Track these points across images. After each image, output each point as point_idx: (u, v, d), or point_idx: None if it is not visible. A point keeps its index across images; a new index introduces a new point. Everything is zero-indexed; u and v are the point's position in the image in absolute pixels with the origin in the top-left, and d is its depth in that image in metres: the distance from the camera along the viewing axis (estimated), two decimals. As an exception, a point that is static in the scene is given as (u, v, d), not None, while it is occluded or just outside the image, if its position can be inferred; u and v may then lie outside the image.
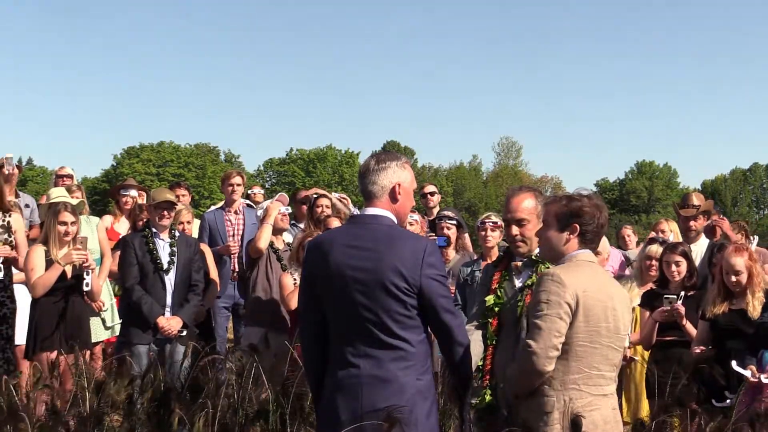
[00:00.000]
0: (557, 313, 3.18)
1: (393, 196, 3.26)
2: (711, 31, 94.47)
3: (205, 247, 6.82)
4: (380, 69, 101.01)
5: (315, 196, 7.21)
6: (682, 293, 5.51)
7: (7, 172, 6.67)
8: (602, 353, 3.27)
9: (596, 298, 3.26)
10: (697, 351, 5.11)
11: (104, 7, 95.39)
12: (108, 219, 7.68)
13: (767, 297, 5.04)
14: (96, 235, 6.84)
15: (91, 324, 6.35)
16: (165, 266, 6.01)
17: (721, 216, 7.16)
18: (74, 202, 6.29)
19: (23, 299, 6.21)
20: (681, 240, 6.78)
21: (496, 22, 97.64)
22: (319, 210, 6.87)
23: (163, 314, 5.92)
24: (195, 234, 7.25)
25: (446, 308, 3.18)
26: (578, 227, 3.37)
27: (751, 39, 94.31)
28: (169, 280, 6.03)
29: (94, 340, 6.46)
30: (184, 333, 5.86)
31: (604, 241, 5.68)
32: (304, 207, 7.99)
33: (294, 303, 5.61)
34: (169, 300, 6.00)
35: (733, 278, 5.08)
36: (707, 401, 4.52)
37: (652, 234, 7.03)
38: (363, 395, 3.09)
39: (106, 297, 6.77)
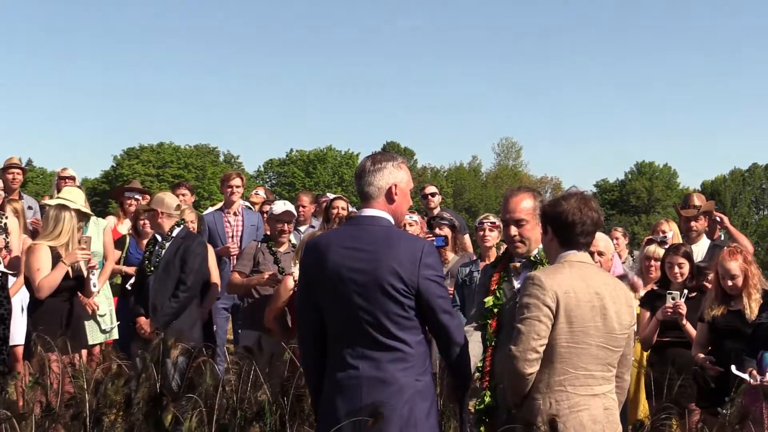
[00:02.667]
0: (536, 316, 3.21)
1: (389, 196, 3.26)
2: (710, 32, 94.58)
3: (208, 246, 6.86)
4: (380, 70, 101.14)
5: (332, 197, 7.32)
6: (685, 291, 5.53)
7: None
8: (591, 353, 3.27)
9: (581, 298, 3.26)
10: (701, 356, 5.11)
11: (104, 7, 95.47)
12: (111, 220, 7.69)
13: (764, 298, 5.05)
14: (102, 238, 6.82)
15: (89, 326, 6.36)
16: (150, 269, 6.04)
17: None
18: (75, 206, 6.29)
19: (19, 300, 6.20)
20: (681, 240, 6.78)
21: (495, 23, 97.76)
22: (335, 211, 6.93)
23: (144, 315, 5.96)
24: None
25: (444, 309, 3.18)
26: (551, 229, 3.42)
27: (751, 39, 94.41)
28: (151, 281, 6.03)
29: (91, 342, 6.46)
30: (161, 335, 5.85)
31: (608, 242, 5.67)
32: (307, 209, 8.03)
33: (278, 304, 5.64)
34: (151, 301, 6.02)
35: (729, 282, 5.09)
36: (706, 402, 4.52)
37: (669, 233, 7.00)
38: (362, 396, 3.09)
39: (104, 302, 6.75)
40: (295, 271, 5.55)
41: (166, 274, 5.98)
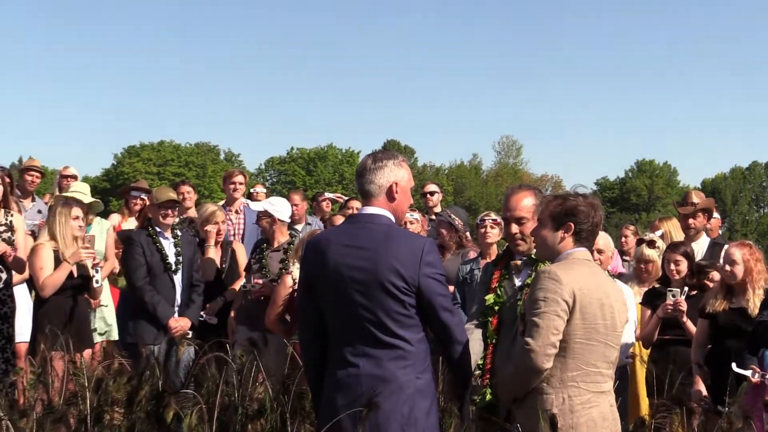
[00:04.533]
0: (555, 311, 3.18)
1: (390, 194, 3.26)
2: (711, 30, 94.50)
3: (237, 245, 6.93)
4: (381, 68, 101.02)
5: (346, 198, 7.53)
6: (686, 288, 5.53)
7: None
8: (599, 350, 3.28)
9: (593, 295, 3.26)
10: (698, 382, 5.08)
11: (103, 5, 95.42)
12: (116, 218, 7.69)
13: (767, 295, 5.04)
14: (104, 239, 6.83)
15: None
16: (173, 266, 6.03)
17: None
18: (87, 199, 6.30)
19: (22, 298, 6.20)
20: (681, 239, 6.77)
21: (496, 21, 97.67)
22: (350, 211, 6.92)
23: (174, 314, 5.95)
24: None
25: (445, 307, 3.18)
26: (573, 226, 3.38)
27: (751, 38, 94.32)
28: (177, 279, 6.05)
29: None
30: (191, 334, 5.86)
31: (608, 240, 5.68)
32: (299, 207, 8.03)
33: (279, 303, 5.62)
34: (178, 300, 6.03)
35: (728, 268, 5.09)
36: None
37: (659, 231, 6.99)
38: (363, 393, 3.09)
39: (103, 301, 6.73)
40: (294, 270, 5.54)
41: (190, 272, 6.11)
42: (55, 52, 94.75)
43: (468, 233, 7.26)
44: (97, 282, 5.78)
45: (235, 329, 6.32)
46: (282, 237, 6.31)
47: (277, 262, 6.18)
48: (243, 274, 6.61)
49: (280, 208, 6.35)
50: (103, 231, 6.87)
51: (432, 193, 8.53)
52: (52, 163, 66.02)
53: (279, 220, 6.27)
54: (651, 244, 6.21)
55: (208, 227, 6.57)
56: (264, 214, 6.26)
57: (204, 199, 54.49)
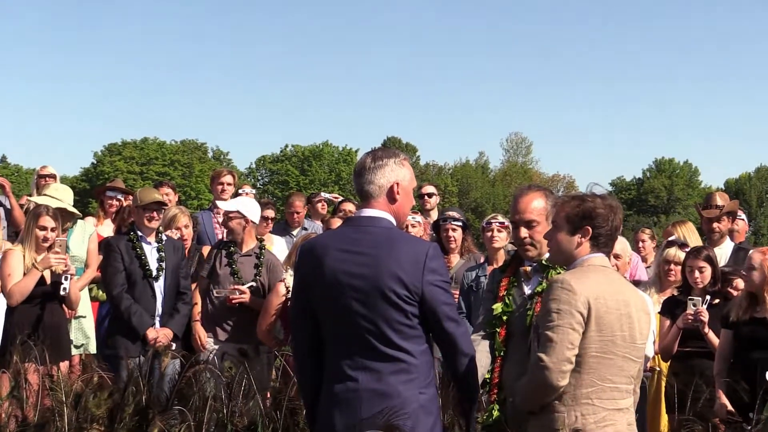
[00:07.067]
0: (569, 324, 3.17)
1: (391, 196, 3.26)
2: (734, 24, 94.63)
3: (206, 250, 6.85)
4: (380, 61, 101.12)
5: (340, 200, 7.63)
6: (708, 297, 5.52)
7: None
8: (617, 364, 3.26)
9: (610, 305, 3.24)
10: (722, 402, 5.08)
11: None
12: (91, 221, 7.68)
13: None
14: (86, 243, 6.82)
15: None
16: (154, 273, 5.98)
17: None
18: (56, 203, 6.27)
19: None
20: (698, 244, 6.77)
21: (504, 11, 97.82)
22: (341, 214, 6.93)
23: (153, 325, 5.91)
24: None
25: (449, 316, 3.17)
26: (591, 230, 3.36)
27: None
28: (159, 287, 6.01)
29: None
30: (174, 346, 5.82)
31: (626, 245, 5.67)
32: (301, 214, 8.03)
33: (271, 312, 5.60)
34: (159, 309, 5.99)
35: (747, 273, 5.13)
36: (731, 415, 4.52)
37: (671, 237, 6.99)
38: (362, 410, 3.09)
39: (81, 312, 6.71)
40: (288, 277, 5.54)
41: (176, 280, 6.07)
42: (30, 44, 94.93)
43: (469, 237, 7.25)
44: (64, 290, 5.74)
45: (202, 338, 6.19)
46: (251, 241, 6.25)
47: (250, 268, 6.12)
48: None
49: (251, 209, 6.30)
50: (86, 236, 6.86)
51: (430, 195, 8.52)
52: (28, 162, 66.16)
53: (251, 221, 6.23)
54: (683, 246, 6.19)
55: (167, 232, 6.46)
56: (236, 215, 6.19)
57: (191, 201, 54.70)
